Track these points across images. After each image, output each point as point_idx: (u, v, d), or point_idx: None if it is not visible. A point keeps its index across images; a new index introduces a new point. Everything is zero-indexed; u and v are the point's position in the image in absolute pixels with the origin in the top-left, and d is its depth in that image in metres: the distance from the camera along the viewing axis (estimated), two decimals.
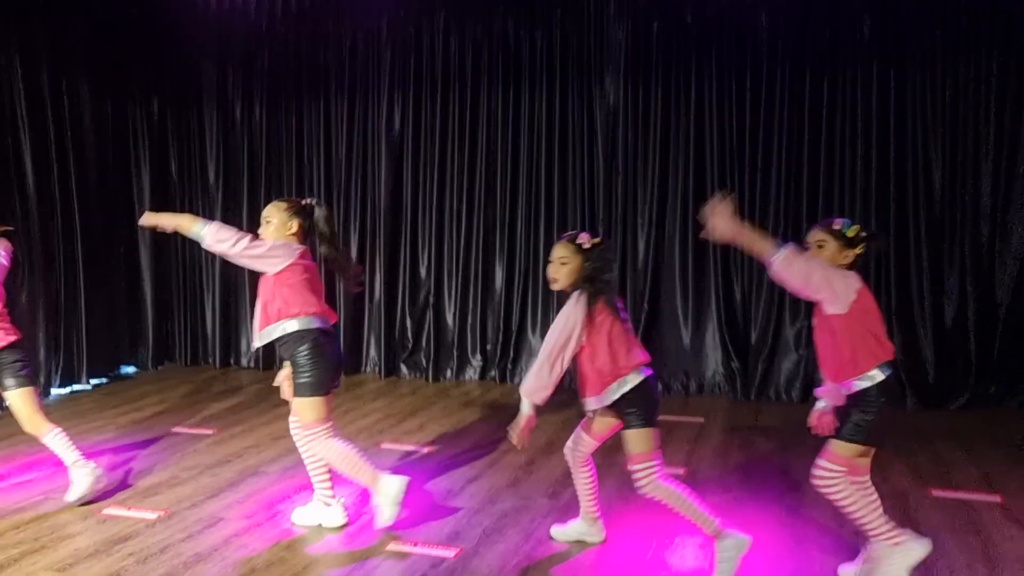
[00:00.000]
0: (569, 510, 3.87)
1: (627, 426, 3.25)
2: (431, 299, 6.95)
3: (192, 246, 7.49)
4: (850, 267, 3.12)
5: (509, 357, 6.79)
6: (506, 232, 6.73)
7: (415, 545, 3.58)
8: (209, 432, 5.38)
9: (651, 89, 6.32)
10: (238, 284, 7.44)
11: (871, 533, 3.13)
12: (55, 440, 4.12)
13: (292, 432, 3.81)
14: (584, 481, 3.54)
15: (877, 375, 3.04)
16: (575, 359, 3.26)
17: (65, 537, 3.70)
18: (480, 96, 6.73)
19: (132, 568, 3.38)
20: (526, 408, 3.25)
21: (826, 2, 5.95)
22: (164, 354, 7.72)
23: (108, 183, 7.10)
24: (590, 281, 3.24)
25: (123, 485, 4.35)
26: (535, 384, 3.22)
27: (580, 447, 3.50)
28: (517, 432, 3.25)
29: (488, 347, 6.87)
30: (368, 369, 7.17)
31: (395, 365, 7.09)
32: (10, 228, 4.36)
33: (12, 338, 4.13)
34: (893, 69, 5.87)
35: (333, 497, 3.82)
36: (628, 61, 6.34)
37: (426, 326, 6.99)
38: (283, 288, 3.58)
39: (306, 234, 3.75)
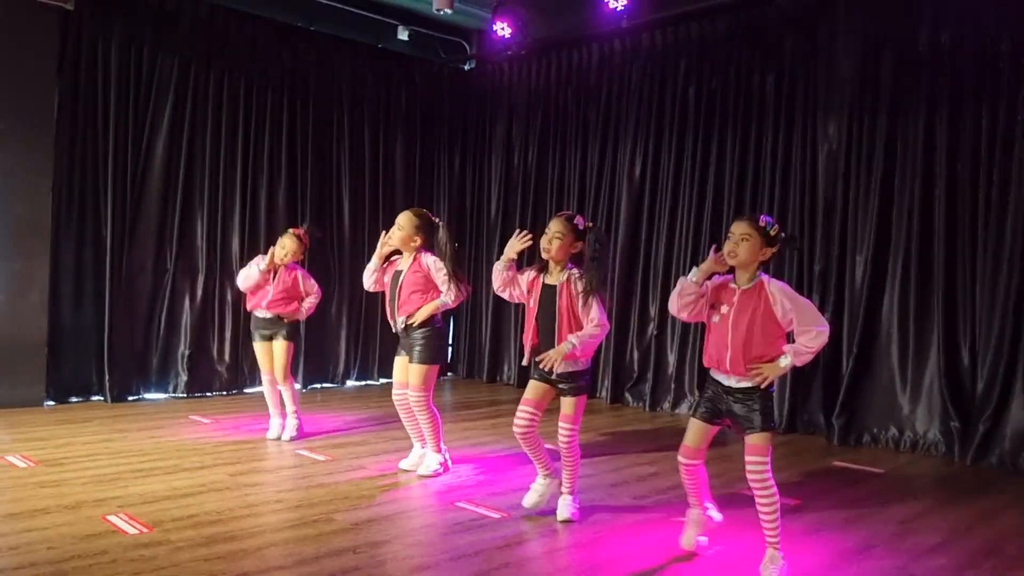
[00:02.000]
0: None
1: (564, 393, 3.88)
2: (653, 332, 7.27)
3: (475, 273, 8.75)
4: (765, 264, 3.33)
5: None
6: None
7: (475, 505, 4.11)
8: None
9: (876, 124, 6.03)
10: (506, 308, 8.48)
11: (772, 532, 3.30)
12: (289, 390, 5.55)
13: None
14: (537, 446, 4.03)
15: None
16: (563, 321, 3.82)
17: (256, 459, 4.91)
18: (712, 141, 6.99)
19: (274, 482, 4.43)
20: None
21: None
22: (447, 367, 9.03)
23: None
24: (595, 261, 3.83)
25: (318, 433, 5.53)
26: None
27: (534, 421, 3.98)
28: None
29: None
30: (601, 394, 7.67)
31: (621, 393, 7.50)
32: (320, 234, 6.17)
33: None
34: None
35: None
36: (854, 96, 6.14)
37: (650, 359, 7.32)
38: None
39: (426, 247, 4.71)
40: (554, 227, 3.85)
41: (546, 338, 3.87)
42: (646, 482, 4.72)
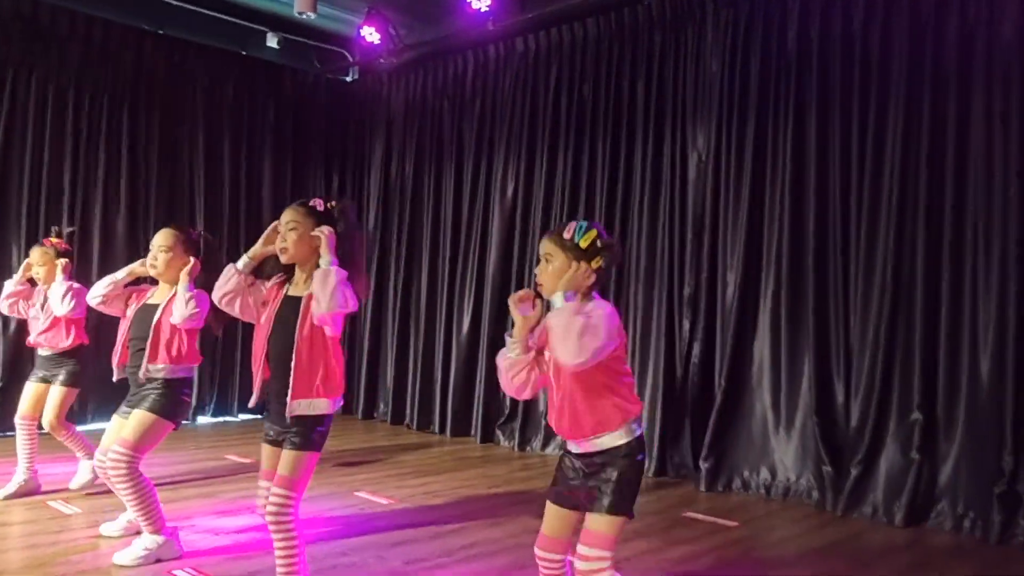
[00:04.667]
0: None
1: (285, 446, 2.90)
2: None
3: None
4: (592, 289, 2.50)
5: None
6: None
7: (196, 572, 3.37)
8: (248, 461, 5.63)
9: (745, 132, 5.42)
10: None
11: None
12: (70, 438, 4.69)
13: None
14: None
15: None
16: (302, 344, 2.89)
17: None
18: (583, 154, 6.35)
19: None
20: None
21: (956, 20, 4.63)
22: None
23: None
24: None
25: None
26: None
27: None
28: None
29: None
30: (472, 432, 6.94)
31: (491, 431, 6.76)
32: (72, 228, 5.36)
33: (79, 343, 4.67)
34: None
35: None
36: (723, 101, 5.53)
37: None
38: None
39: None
40: (285, 218, 2.92)
41: (280, 368, 2.89)
42: (439, 540, 3.98)
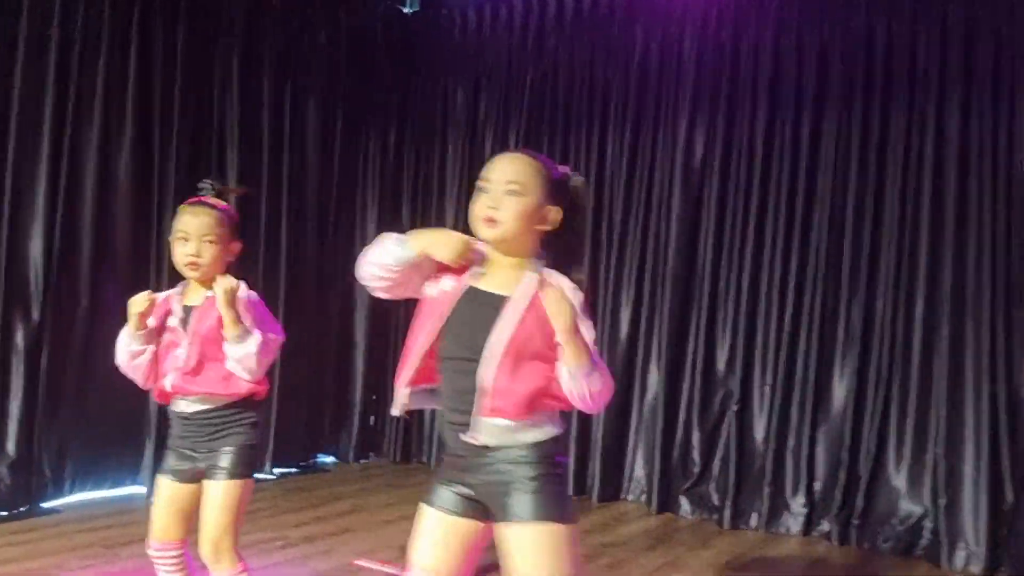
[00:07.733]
0: None
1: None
2: (733, 407, 4.78)
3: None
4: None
5: (855, 508, 4.40)
6: (851, 318, 4.51)
7: None
8: (394, 571, 3.58)
9: None
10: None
11: None
12: None
13: None
14: None
15: None
16: None
17: None
18: (823, 121, 4.68)
19: None
20: None
21: None
22: (370, 445, 6.10)
23: (328, 224, 5.75)
24: None
25: None
26: None
27: None
28: None
29: (817, 485, 4.55)
30: (631, 496, 5.10)
31: (671, 497, 4.91)
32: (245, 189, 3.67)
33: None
34: None
35: None
36: None
37: (721, 445, 4.83)
38: None
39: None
40: (499, 167, 1.98)
41: None
42: None
